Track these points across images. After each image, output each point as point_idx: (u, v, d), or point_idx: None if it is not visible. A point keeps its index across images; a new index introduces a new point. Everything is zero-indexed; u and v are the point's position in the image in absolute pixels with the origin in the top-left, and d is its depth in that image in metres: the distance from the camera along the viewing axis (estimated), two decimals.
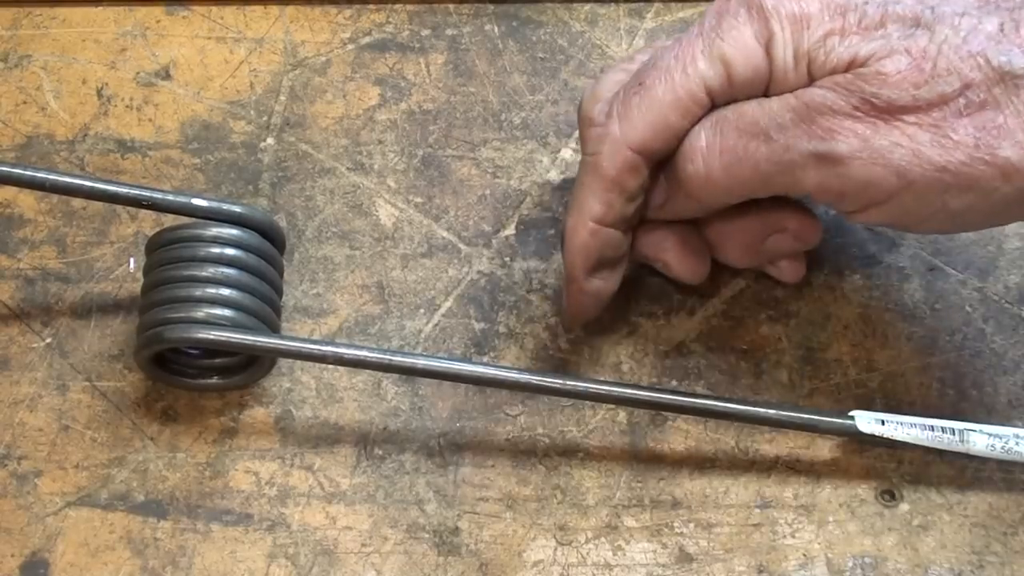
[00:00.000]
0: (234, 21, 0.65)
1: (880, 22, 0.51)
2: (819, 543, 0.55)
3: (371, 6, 0.65)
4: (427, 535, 0.55)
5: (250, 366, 0.57)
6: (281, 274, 0.57)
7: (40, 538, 0.55)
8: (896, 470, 0.56)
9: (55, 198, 0.61)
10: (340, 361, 0.54)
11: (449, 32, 0.65)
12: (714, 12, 0.52)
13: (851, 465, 0.56)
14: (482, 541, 0.55)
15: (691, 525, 0.55)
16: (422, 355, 0.57)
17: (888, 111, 0.50)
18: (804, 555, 0.55)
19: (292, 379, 0.58)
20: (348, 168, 0.62)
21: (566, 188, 0.61)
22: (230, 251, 0.55)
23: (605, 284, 0.55)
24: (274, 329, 0.56)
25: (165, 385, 0.57)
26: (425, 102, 0.63)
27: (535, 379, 0.55)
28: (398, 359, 0.54)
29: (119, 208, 0.61)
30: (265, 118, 0.63)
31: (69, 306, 0.59)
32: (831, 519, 0.55)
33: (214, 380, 0.57)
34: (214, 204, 0.56)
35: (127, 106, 0.63)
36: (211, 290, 0.54)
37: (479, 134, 0.63)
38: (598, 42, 0.64)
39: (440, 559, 0.55)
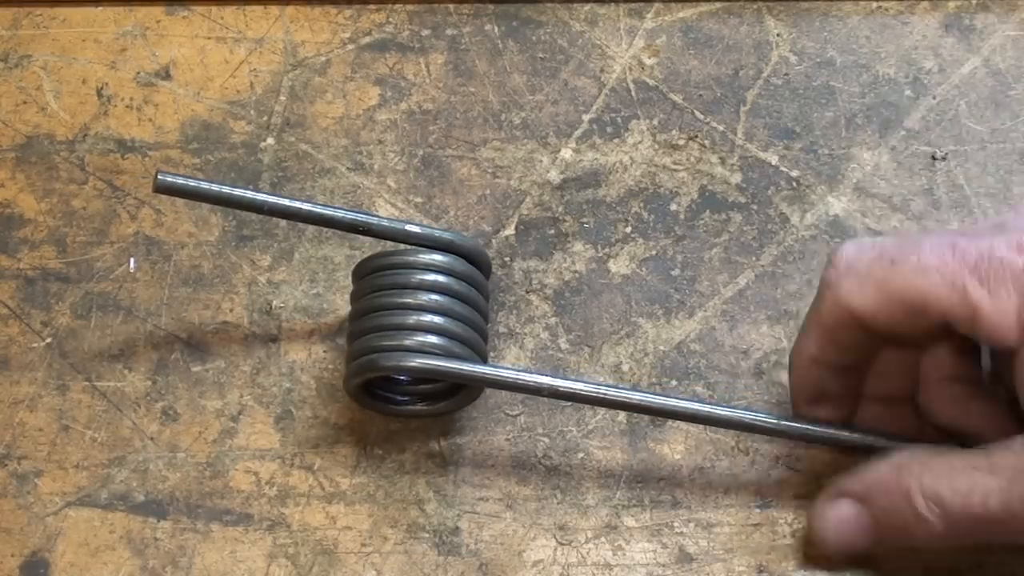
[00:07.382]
0: (234, 21, 0.65)
1: None
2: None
3: (371, 6, 0.65)
4: (427, 535, 0.55)
5: (457, 393, 0.56)
6: (488, 301, 0.56)
7: (40, 538, 0.55)
8: None
9: (55, 198, 0.61)
10: (555, 394, 0.54)
11: (449, 32, 0.65)
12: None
13: (851, 465, 0.56)
14: (482, 541, 0.55)
15: (691, 525, 0.55)
16: (637, 390, 0.56)
17: None
18: (804, 555, 0.55)
19: (292, 379, 0.58)
20: (348, 168, 0.62)
21: (566, 188, 0.61)
22: (443, 278, 0.54)
23: (827, 415, 0.54)
24: (483, 357, 0.55)
25: (372, 412, 0.56)
26: (425, 102, 0.63)
27: (760, 419, 0.54)
28: (613, 393, 0.54)
29: (119, 208, 0.61)
30: (265, 118, 0.63)
31: (69, 306, 0.59)
32: None
33: (421, 407, 0.56)
34: (426, 231, 0.55)
35: (127, 106, 0.63)
36: (425, 318, 0.53)
37: (479, 134, 0.63)
38: (598, 42, 0.64)
39: (440, 559, 0.55)
